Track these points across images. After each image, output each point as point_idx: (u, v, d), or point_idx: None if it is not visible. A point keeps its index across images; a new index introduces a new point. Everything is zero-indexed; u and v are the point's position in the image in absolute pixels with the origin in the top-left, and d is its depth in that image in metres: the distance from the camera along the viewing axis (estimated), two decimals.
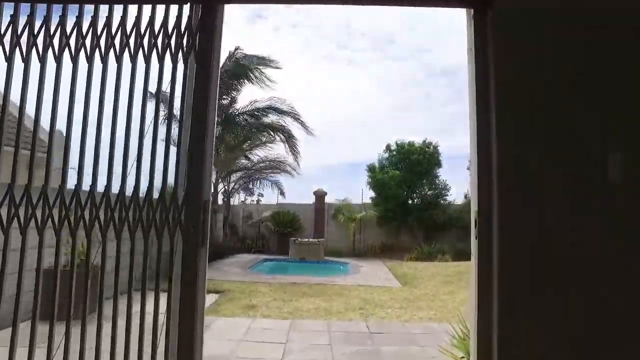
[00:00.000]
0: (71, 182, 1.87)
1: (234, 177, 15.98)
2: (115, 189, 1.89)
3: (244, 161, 15.53)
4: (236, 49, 11.94)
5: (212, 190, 14.36)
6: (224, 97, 12.55)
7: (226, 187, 15.53)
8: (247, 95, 13.07)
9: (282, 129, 12.45)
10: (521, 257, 1.80)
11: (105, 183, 1.88)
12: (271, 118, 12.88)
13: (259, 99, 12.70)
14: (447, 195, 16.87)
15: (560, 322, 1.73)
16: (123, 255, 1.88)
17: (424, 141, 16.82)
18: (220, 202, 15.64)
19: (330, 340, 5.03)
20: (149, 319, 1.86)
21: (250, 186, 16.49)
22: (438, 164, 16.93)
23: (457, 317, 6.57)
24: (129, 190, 1.89)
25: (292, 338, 5.11)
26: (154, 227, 1.86)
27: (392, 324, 6.12)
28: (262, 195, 17.94)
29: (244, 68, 11.96)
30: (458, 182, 18.10)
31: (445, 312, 6.89)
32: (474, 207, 1.93)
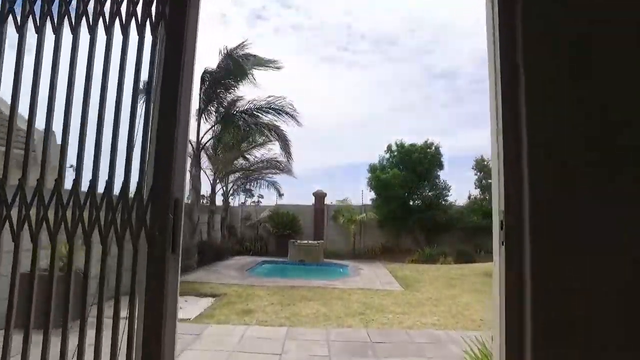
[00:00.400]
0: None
1: (231, 177, 15.70)
2: (68, 184, 1.58)
3: (242, 162, 15.24)
4: (240, 45, 11.59)
5: (210, 191, 14.08)
6: (224, 94, 12.24)
7: (224, 187, 15.21)
8: (248, 93, 12.78)
9: (276, 128, 12.06)
10: (555, 259, 1.51)
11: (56, 177, 1.57)
12: (269, 117, 12.56)
13: (257, 98, 12.40)
14: (448, 195, 16.57)
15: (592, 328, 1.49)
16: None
17: (426, 142, 16.53)
18: (219, 202, 15.36)
19: (329, 351, 4.71)
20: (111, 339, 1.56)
21: (249, 187, 16.19)
22: (439, 165, 16.63)
23: (462, 323, 6.27)
24: (85, 186, 1.58)
25: (289, 348, 4.79)
26: (113, 229, 1.55)
27: (394, 331, 5.80)
28: (262, 197, 17.64)
29: (243, 68, 11.64)
30: (459, 182, 17.73)
31: (450, 317, 6.57)
32: (499, 207, 1.61)
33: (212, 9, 11.00)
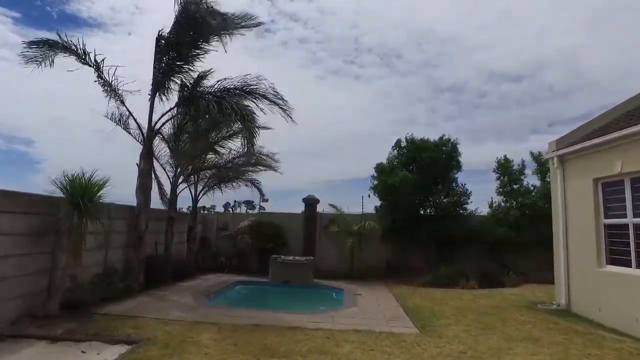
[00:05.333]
0: None
1: (205, 179, 12.89)
2: None
3: (215, 158, 12.44)
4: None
5: (169, 192, 11.25)
6: (190, 63, 9.48)
7: (191, 188, 12.37)
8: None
9: (241, 108, 9.09)
10: None
11: None
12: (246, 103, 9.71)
13: (229, 76, 9.62)
14: (467, 203, 13.60)
15: None
16: None
17: (441, 137, 13.66)
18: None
19: None
20: None
21: (223, 188, 13.31)
22: (457, 166, 13.71)
23: None
24: None
25: None
26: None
27: None
28: (263, 208, 14.88)
29: (210, 26, 8.92)
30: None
31: None
32: None
33: None
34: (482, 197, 13.66)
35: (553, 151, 8.11)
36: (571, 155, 7.66)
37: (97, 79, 8.89)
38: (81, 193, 6.39)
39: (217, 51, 9.73)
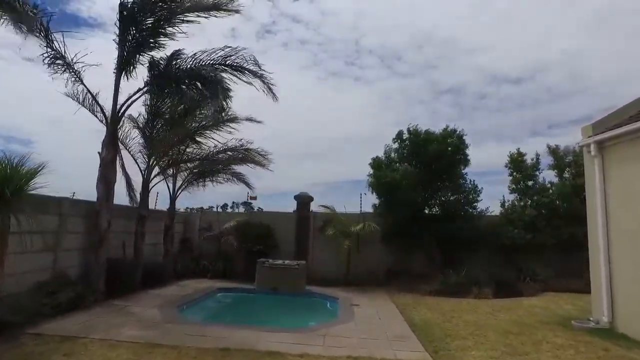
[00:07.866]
0: None
1: (182, 173, 11.52)
2: None
3: (194, 148, 11.08)
4: None
5: (140, 187, 9.87)
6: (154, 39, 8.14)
7: (168, 183, 10.99)
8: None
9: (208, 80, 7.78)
10: None
11: None
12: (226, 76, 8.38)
13: (206, 49, 8.29)
14: (477, 201, 12.23)
15: None
16: None
17: (445, 129, 12.30)
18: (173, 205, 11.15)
19: None
20: None
21: (205, 184, 11.93)
22: (464, 160, 12.35)
23: None
24: None
25: None
26: None
27: None
28: (262, 209, 13.42)
29: None
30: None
31: None
32: None
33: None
34: (483, 198, 12.50)
35: (589, 137, 6.78)
36: (615, 141, 6.32)
37: (46, 51, 7.51)
38: (3, 182, 5.00)
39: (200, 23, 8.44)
